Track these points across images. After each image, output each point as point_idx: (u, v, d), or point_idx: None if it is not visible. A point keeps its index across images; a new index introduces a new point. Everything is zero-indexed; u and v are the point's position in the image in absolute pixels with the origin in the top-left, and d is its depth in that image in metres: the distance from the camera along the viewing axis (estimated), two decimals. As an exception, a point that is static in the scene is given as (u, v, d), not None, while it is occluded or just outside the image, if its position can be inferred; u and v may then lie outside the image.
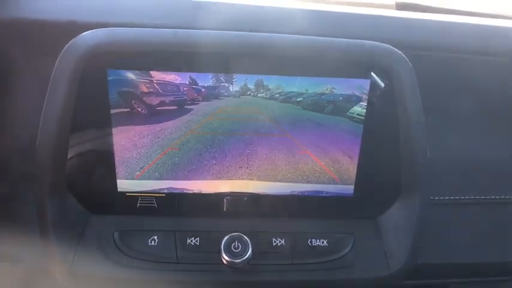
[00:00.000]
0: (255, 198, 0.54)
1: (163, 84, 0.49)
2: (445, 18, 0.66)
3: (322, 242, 0.54)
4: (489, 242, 0.61)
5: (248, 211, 0.54)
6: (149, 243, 0.52)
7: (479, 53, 0.61)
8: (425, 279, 0.59)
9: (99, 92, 0.48)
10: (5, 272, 0.52)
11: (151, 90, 0.49)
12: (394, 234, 0.54)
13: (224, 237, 0.51)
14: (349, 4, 0.78)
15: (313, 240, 0.54)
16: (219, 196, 0.53)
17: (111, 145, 0.50)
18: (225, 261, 0.51)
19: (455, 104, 0.60)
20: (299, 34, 0.50)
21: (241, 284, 0.52)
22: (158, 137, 0.50)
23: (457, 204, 0.61)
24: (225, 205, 0.54)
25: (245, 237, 0.51)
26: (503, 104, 0.62)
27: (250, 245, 0.51)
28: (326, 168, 0.53)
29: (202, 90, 0.49)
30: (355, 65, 0.49)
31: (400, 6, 0.81)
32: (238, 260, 0.50)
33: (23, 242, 0.52)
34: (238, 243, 0.51)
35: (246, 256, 0.50)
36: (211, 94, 0.49)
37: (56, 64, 0.47)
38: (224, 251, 0.50)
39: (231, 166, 0.52)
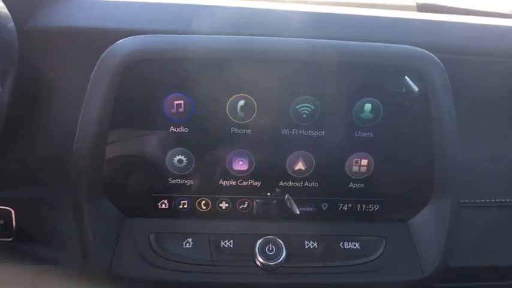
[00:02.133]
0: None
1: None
2: (467, 20, 0.67)
3: (354, 245, 0.54)
4: None
5: (280, 214, 0.55)
6: (184, 246, 0.52)
7: (506, 56, 0.61)
8: (456, 282, 0.59)
9: (136, 96, 0.49)
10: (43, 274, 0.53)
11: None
12: (426, 237, 0.54)
13: (258, 240, 0.52)
14: (370, 6, 0.78)
15: (345, 243, 0.54)
16: (252, 199, 0.54)
17: (146, 149, 0.51)
18: (259, 264, 0.51)
19: (482, 107, 0.61)
20: (323, 38, 0.50)
21: (275, 286, 0.53)
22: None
23: (481, 207, 0.61)
24: (255, 208, 0.54)
25: (279, 240, 0.52)
26: None
27: (284, 248, 0.51)
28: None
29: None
30: (387, 70, 0.50)
31: (422, 8, 0.81)
32: (273, 263, 0.51)
33: (62, 244, 0.53)
34: (273, 246, 0.52)
35: (281, 259, 0.51)
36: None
37: (95, 69, 0.48)
38: (259, 253, 0.51)
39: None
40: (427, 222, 0.55)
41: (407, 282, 0.53)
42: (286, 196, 0.54)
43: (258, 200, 0.55)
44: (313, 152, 0.52)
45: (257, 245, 0.52)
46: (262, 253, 0.51)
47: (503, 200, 0.61)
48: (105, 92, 0.48)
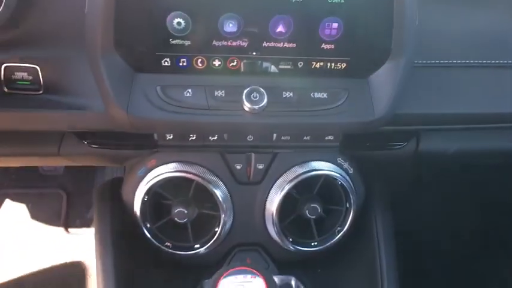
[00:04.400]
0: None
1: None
2: None
3: (323, 95, 0.67)
4: (462, 97, 0.74)
5: (263, 71, 0.66)
6: (185, 95, 0.65)
7: None
8: (402, 125, 0.74)
9: None
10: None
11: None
12: (380, 90, 0.67)
13: (245, 89, 0.64)
14: None
15: (315, 93, 0.67)
16: (240, 58, 0.65)
17: (149, 11, 0.60)
18: (246, 108, 0.65)
19: None
20: None
21: (258, 125, 0.67)
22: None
23: (442, 67, 0.72)
24: (243, 66, 0.66)
25: (262, 89, 0.65)
26: None
27: (266, 95, 0.64)
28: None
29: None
30: None
31: None
32: (256, 107, 0.64)
33: (85, 94, 0.65)
34: (257, 94, 0.64)
35: (263, 104, 0.64)
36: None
37: None
38: (245, 99, 0.64)
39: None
40: (382, 78, 0.67)
41: (362, 122, 0.67)
42: None
43: (245, 61, 0.66)
44: (292, 16, 0.62)
45: (244, 93, 0.64)
46: (248, 99, 0.64)
47: (465, 62, 0.72)
48: None
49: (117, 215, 0.80)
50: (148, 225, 0.76)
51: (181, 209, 0.73)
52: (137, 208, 0.75)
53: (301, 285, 0.77)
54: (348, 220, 0.78)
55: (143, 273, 0.79)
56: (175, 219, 0.74)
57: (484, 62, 0.73)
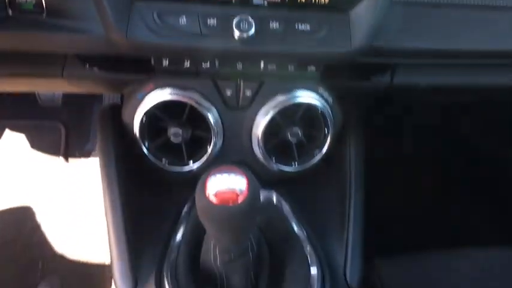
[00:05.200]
0: None
1: None
2: None
3: (306, 26, 0.73)
4: (438, 34, 0.80)
5: (253, 3, 0.72)
6: (180, 23, 0.71)
7: None
8: (378, 57, 0.81)
9: None
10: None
11: None
12: (359, 23, 0.74)
13: (235, 18, 0.70)
14: None
15: (299, 24, 0.73)
16: None
17: None
18: (235, 36, 0.71)
19: None
20: None
21: (247, 52, 0.74)
22: None
23: (419, 4, 0.78)
24: None
25: (251, 19, 0.71)
26: None
27: (254, 24, 0.71)
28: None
29: None
30: None
31: None
32: (245, 35, 0.71)
33: (86, 17, 0.71)
34: (246, 23, 0.71)
35: (251, 32, 0.71)
36: None
37: None
38: (235, 27, 0.70)
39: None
40: (362, 12, 0.73)
41: (340, 53, 0.75)
42: None
43: None
44: None
45: (234, 22, 0.70)
46: (238, 28, 0.70)
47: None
48: None
49: (119, 136, 0.88)
50: (146, 144, 0.85)
51: (176, 129, 0.82)
52: (136, 129, 0.83)
53: (281, 199, 0.87)
54: (325, 145, 0.88)
55: (142, 189, 0.89)
56: (171, 138, 0.83)
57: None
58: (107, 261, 1.44)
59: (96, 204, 1.56)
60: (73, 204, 1.58)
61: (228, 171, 0.59)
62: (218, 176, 0.59)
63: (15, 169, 1.65)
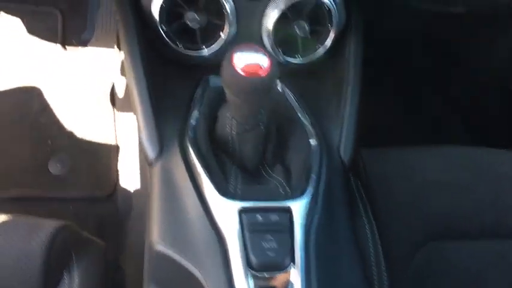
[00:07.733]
0: None
1: None
2: None
3: None
4: None
5: None
6: None
7: None
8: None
9: None
10: None
11: None
12: None
13: None
14: None
15: None
16: None
17: None
18: None
19: None
20: None
21: None
22: None
23: None
24: None
25: None
26: None
27: None
28: None
29: None
30: None
31: None
32: None
33: None
34: None
35: None
36: None
37: None
38: None
39: None
40: None
41: None
42: None
43: None
44: None
45: None
46: None
47: None
48: None
49: (138, 19, 0.94)
50: (164, 28, 0.91)
51: (193, 13, 0.89)
52: (155, 12, 0.89)
53: (284, 87, 0.98)
54: (327, 39, 0.97)
55: (160, 69, 0.98)
56: (187, 22, 0.90)
57: None
58: (113, 141, 1.57)
59: (99, 91, 1.64)
60: (76, 89, 1.65)
61: (251, 49, 0.69)
62: (244, 52, 0.69)
63: (14, 52, 1.67)
